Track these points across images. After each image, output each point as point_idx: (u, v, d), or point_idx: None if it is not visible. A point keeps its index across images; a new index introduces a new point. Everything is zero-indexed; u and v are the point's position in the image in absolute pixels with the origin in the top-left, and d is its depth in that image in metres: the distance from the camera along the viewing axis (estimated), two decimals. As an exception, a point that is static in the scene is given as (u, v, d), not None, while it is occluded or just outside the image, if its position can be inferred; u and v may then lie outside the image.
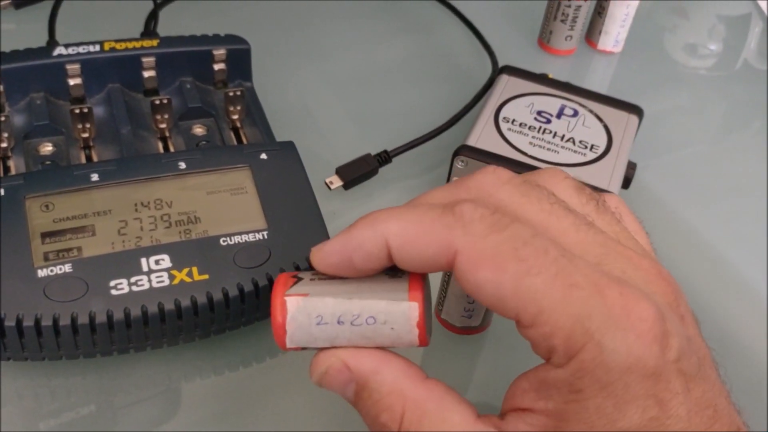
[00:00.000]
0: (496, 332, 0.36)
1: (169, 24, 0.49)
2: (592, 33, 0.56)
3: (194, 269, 0.32)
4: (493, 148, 0.41)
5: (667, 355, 0.23)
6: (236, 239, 0.33)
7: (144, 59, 0.40)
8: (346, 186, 0.42)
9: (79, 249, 0.32)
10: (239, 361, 0.34)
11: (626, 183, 0.43)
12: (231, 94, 0.41)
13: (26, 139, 0.38)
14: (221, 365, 0.34)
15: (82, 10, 0.51)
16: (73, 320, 0.30)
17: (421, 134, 0.45)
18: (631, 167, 0.43)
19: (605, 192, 0.35)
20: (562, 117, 0.43)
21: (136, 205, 0.34)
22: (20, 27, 0.50)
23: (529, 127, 0.42)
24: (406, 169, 0.44)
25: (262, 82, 0.44)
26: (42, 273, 0.31)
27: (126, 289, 0.31)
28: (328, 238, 0.34)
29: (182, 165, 0.35)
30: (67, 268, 0.31)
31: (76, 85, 0.39)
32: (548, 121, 0.43)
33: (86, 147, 0.39)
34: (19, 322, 0.29)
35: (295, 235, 0.34)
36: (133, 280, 0.31)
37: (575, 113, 0.44)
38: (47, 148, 0.38)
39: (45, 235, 0.32)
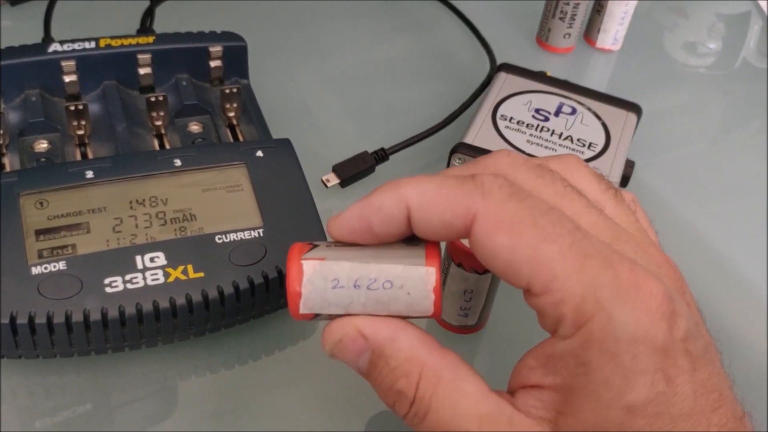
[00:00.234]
0: (492, 331, 0.36)
1: (166, 21, 0.49)
2: (590, 31, 0.56)
3: (189, 267, 0.32)
4: (491, 145, 0.41)
5: (674, 333, 0.23)
6: (232, 237, 0.33)
7: (140, 56, 0.40)
8: (343, 184, 0.42)
9: (74, 246, 0.32)
10: (235, 359, 0.34)
11: (624, 181, 0.43)
12: (227, 91, 0.40)
13: (21, 136, 0.38)
14: (217, 363, 0.34)
15: (77, 7, 0.51)
16: (68, 318, 0.29)
17: (419, 132, 0.45)
18: (630, 165, 0.43)
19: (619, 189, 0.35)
20: (560, 115, 0.43)
21: (131, 202, 0.34)
22: (16, 24, 0.50)
23: (527, 125, 0.42)
24: (403, 167, 0.44)
25: (258, 79, 0.44)
26: (36, 270, 0.30)
27: (121, 287, 0.31)
28: (324, 235, 0.34)
29: (178, 162, 0.35)
30: (61, 265, 0.31)
31: (71, 82, 0.39)
32: (546, 119, 0.43)
33: (81, 144, 0.38)
34: (12, 319, 0.29)
35: (291, 232, 0.34)
36: (127, 277, 0.31)
37: (573, 111, 0.44)
38: (42, 145, 0.38)
39: (39, 233, 0.32)
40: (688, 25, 0.62)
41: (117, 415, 0.31)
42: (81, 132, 0.38)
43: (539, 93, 0.45)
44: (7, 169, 0.37)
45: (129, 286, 0.31)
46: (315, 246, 0.26)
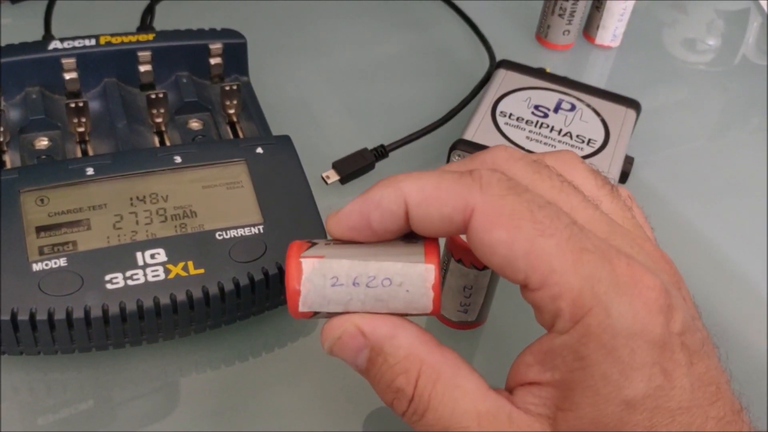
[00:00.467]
0: (492, 328, 0.36)
1: (166, 18, 0.49)
2: (589, 28, 0.56)
3: (190, 263, 0.32)
4: (490, 142, 0.41)
5: (671, 327, 0.23)
6: (232, 233, 0.33)
7: (140, 53, 0.40)
8: (343, 180, 0.42)
9: (74, 243, 0.32)
10: (235, 356, 0.34)
11: (623, 177, 0.43)
12: (227, 88, 0.40)
13: (22, 133, 0.38)
14: (217, 359, 0.34)
15: (78, 5, 0.51)
16: (69, 314, 0.30)
17: (418, 129, 0.45)
18: (629, 162, 0.43)
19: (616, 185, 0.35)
20: (560, 111, 0.43)
21: (131, 199, 0.34)
22: (16, 21, 0.50)
23: (527, 122, 0.42)
24: (403, 163, 0.44)
25: (258, 76, 0.44)
26: (37, 267, 0.31)
27: (121, 284, 0.31)
28: (324, 232, 0.34)
29: (178, 159, 0.35)
30: (62, 262, 0.31)
31: (71, 79, 0.39)
32: (545, 116, 0.43)
33: (82, 141, 0.39)
34: (14, 316, 0.29)
35: (291, 229, 0.34)
36: (128, 274, 0.31)
37: (572, 108, 0.44)
38: (43, 143, 0.38)
39: (40, 229, 0.32)
40: (687, 21, 0.62)
41: (118, 412, 0.32)
42: (81, 129, 0.38)
43: (538, 89, 0.45)
44: (8, 166, 0.37)
45: (130, 282, 0.31)
46: (314, 244, 0.26)
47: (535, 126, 0.42)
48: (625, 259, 0.23)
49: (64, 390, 0.32)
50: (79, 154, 0.38)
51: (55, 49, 0.39)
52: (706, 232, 0.44)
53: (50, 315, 0.29)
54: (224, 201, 0.34)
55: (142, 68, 0.41)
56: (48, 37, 0.45)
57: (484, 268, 0.32)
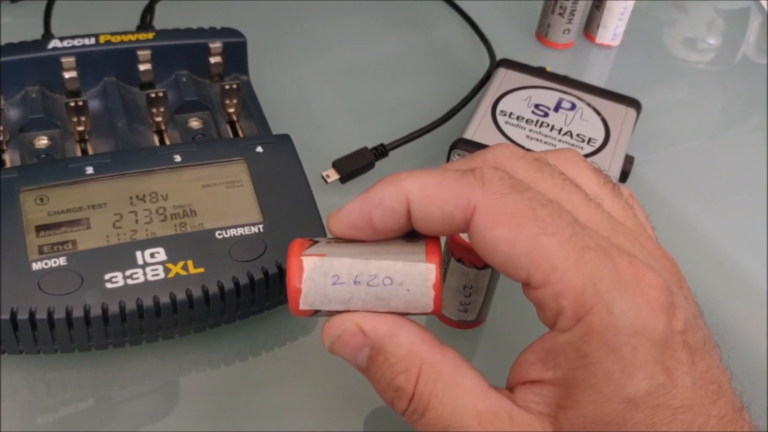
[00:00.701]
0: (492, 327, 0.36)
1: (165, 17, 0.49)
2: (590, 27, 0.56)
3: (189, 262, 0.32)
4: (491, 141, 0.41)
5: (673, 325, 0.23)
6: (232, 232, 0.33)
7: (140, 52, 0.40)
8: (343, 179, 0.42)
9: (74, 242, 0.32)
10: (235, 355, 0.34)
11: (624, 176, 0.43)
12: (227, 87, 0.40)
13: (21, 132, 0.38)
14: (217, 359, 0.34)
15: (77, 4, 0.51)
16: (68, 313, 0.30)
17: (418, 128, 0.45)
18: (629, 161, 0.43)
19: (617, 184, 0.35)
20: (560, 110, 0.43)
21: (131, 198, 0.34)
22: (16, 20, 0.50)
23: (527, 121, 0.42)
24: (403, 162, 0.44)
25: (258, 75, 0.44)
26: (36, 266, 0.31)
27: (121, 283, 0.31)
28: (324, 231, 0.34)
29: (178, 158, 0.35)
30: (61, 261, 0.31)
31: (71, 78, 0.39)
32: (546, 115, 0.43)
33: (81, 140, 0.39)
34: (13, 315, 0.29)
35: (291, 228, 0.34)
36: (128, 273, 0.31)
37: (573, 107, 0.44)
38: (42, 142, 0.38)
39: (39, 228, 0.32)
40: (687, 20, 0.62)
41: (118, 411, 0.32)
42: (81, 128, 0.38)
43: (539, 88, 0.45)
44: (8, 165, 0.37)
45: (129, 281, 0.31)
46: (315, 242, 0.26)
47: (536, 125, 0.42)
48: (627, 257, 0.23)
49: (64, 389, 0.32)
50: (78, 153, 0.38)
51: (55, 48, 0.39)
52: (707, 230, 0.44)
53: (50, 314, 0.29)
54: (224, 200, 0.34)
55: (142, 67, 0.41)
56: (48, 36, 0.45)
57: (484, 267, 0.32)
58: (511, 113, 0.43)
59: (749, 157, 0.49)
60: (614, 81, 0.53)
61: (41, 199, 0.33)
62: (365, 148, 0.43)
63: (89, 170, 0.34)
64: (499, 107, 0.43)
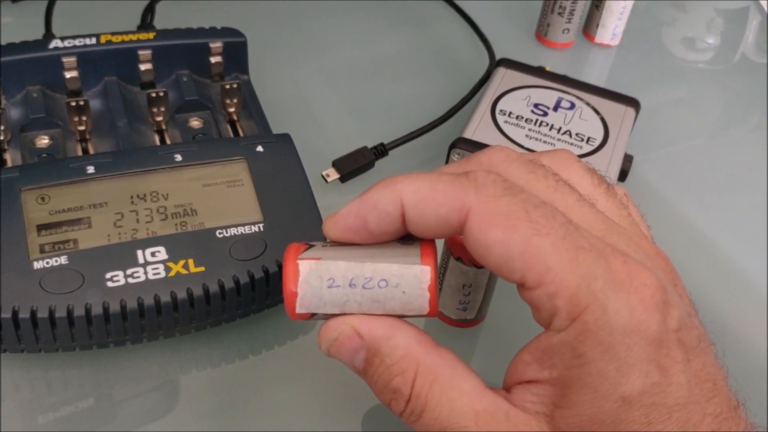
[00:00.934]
0: (491, 325, 0.36)
1: (166, 17, 0.49)
2: (589, 26, 0.56)
3: (190, 261, 0.32)
4: (490, 140, 0.41)
5: (668, 323, 0.23)
6: (232, 231, 0.33)
7: (140, 52, 0.40)
8: (343, 179, 0.42)
9: (75, 241, 0.32)
10: (236, 353, 0.34)
11: (623, 175, 0.43)
12: (227, 86, 0.41)
13: (23, 131, 0.38)
14: (217, 357, 0.34)
15: (78, 4, 0.51)
16: (69, 312, 0.30)
17: (418, 127, 0.45)
18: (628, 160, 0.43)
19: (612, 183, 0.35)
20: (559, 110, 0.43)
21: (132, 197, 0.34)
22: (17, 20, 0.50)
23: (526, 120, 0.42)
24: (403, 162, 0.44)
25: (259, 75, 0.44)
26: (38, 265, 0.31)
27: (122, 281, 0.31)
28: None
29: (178, 157, 0.35)
30: (63, 260, 0.31)
31: (72, 78, 0.39)
32: (545, 114, 0.43)
33: (82, 140, 0.39)
34: (15, 314, 0.29)
35: (291, 227, 0.34)
36: (129, 272, 0.31)
37: (572, 106, 0.44)
38: (44, 141, 0.38)
39: (41, 228, 0.32)
40: (686, 20, 0.62)
41: (119, 409, 0.32)
42: (82, 128, 0.38)
43: (538, 88, 0.45)
44: (9, 164, 0.37)
45: (130, 280, 0.31)
46: (311, 246, 0.26)
47: (535, 124, 0.42)
48: (621, 257, 0.23)
49: (65, 387, 0.32)
50: (79, 153, 0.38)
51: (56, 48, 0.39)
52: (706, 229, 0.44)
53: (51, 313, 0.30)
54: (224, 199, 0.34)
55: (143, 67, 0.41)
56: (49, 35, 0.45)
57: (483, 266, 0.32)
58: (510, 113, 0.43)
59: (748, 156, 0.49)
60: (613, 80, 0.53)
61: (42, 199, 0.33)
62: (365, 148, 0.43)
63: (90, 170, 0.34)
64: (499, 107, 0.43)
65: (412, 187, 0.25)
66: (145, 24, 0.48)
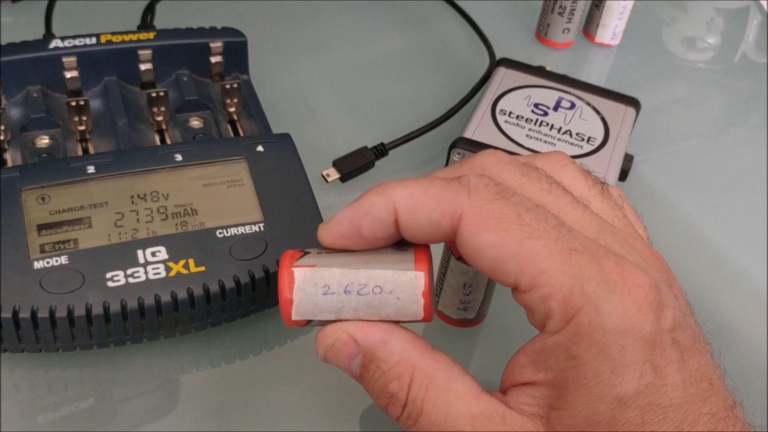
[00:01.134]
0: (492, 325, 0.36)
1: (166, 17, 0.49)
2: (589, 26, 0.56)
3: (191, 261, 0.32)
4: (490, 140, 0.41)
5: (662, 324, 0.23)
6: (233, 231, 0.33)
7: (140, 52, 0.40)
8: (343, 179, 0.42)
9: (76, 241, 0.32)
10: (236, 353, 0.34)
11: (623, 175, 0.43)
12: (227, 86, 0.41)
13: (23, 131, 0.38)
14: (218, 357, 0.34)
15: (78, 3, 0.51)
16: (70, 312, 0.30)
17: (418, 127, 0.45)
18: (628, 159, 0.43)
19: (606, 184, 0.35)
20: (559, 109, 0.43)
21: (132, 197, 0.34)
22: (17, 20, 0.50)
23: (526, 120, 0.42)
24: (403, 161, 0.44)
25: (259, 74, 0.44)
26: (38, 265, 0.31)
27: (122, 281, 0.31)
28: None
29: (179, 157, 0.35)
30: (63, 260, 0.31)
31: (72, 78, 0.39)
32: (545, 114, 0.43)
33: (83, 139, 0.39)
34: (15, 313, 0.29)
35: (291, 227, 0.34)
36: (129, 272, 0.31)
37: (572, 106, 0.44)
38: (44, 141, 0.38)
39: (41, 227, 0.32)
40: (687, 20, 0.62)
41: (119, 409, 0.32)
42: (82, 127, 0.38)
43: (538, 88, 0.45)
44: (9, 164, 0.37)
45: (131, 280, 0.31)
46: (306, 253, 0.26)
47: (535, 124, 0.42)
48: (614, 258, 0.23)
49: (66, 387, 0.32)
50: (80, 153, 0.38)
51: (56, 48, 0.39)
52: (706, 229, 0.44)
53: (52, 312, 0.30)
54: (225, 199, 0.34)
55: (143, 67, 0.41)
56: (49, 35, 0.45)
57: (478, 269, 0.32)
58: (510, 112, 0.43)
59: (749, 156, 0.49)
60: (614, 80, 0.53)
61: (43, 198, 0.33)
62: (365, 147, 0.43)
63: (90, 169, 0.34)
64: (499, 106, 0.43)
65: (404, 192, 0.25)
66: (146, 24, 0.48)
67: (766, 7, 0.63)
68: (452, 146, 0.41)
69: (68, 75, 0.39)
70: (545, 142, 0.41)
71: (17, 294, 0.30)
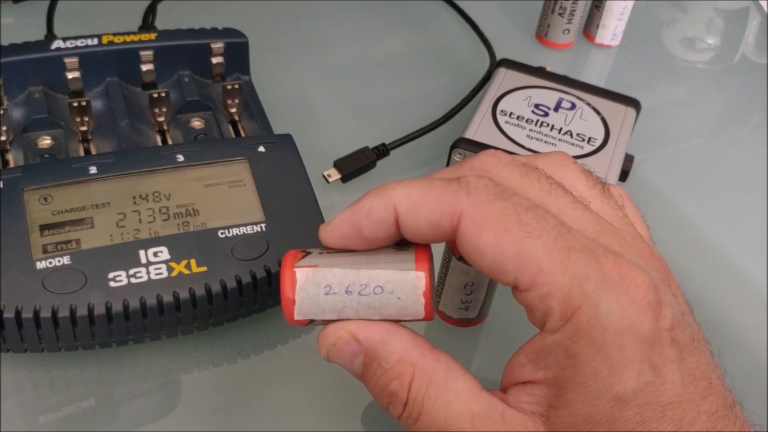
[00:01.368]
0: (493, 324, 0.36)
1: (167, 18, 0.49)
2: (589, 27, 0.56)
3: (192, 261, 0.32)
4: (491, 140, 0.41)
5: (660, 322, 0.23)
6: (234, 231, 0.33)
7: (142, 53, 0.41)
8: (344, 179, 0.42)
9: (78, 241, 0.32)
10: (237, 353, 0.34)
11: (623, 175, 0.43)
12: (229, 87, 0.41)
13: (25, 132, 0.38)
14: (219, 357, 0.34)
15: (80, 4, 0.51)
16: (72, 312, 0.30)
17: (419, 127, 0.45)
18: (629, 160, 0.43)
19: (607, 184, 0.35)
20: (560, 110, 0.43)
21: (134, 197, 0.34)
22: (19, 21, 0.50)
23: (527, 120, 0.42)
24: (404, 162, 0.44)
25: (260, 75, 0.44)
26: (41, 265, 0.31)
27: (125, 281, 0.31)
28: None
29: (180, 158, 0.36)
30: (65, 260, 0.31)
31: (74, 79, 0.40)
32: (546, 114, 0.43)
33: (85, 140, 0.39)
34: (18, 313, 0.29)
35: (293, 227, 0.34)
36: (131, 272, 0.31)
37: (573, 106, 0.44)
38: (46, 142, 0.38)
39: (44, 228, 0.32)
40: (686, 20, 0.62)
41: (121, 409, 0.32)
42: (84, 128, 0.39)
43: (539, 88, 0.45)
44: (12, 165, 0.37)
45: (133, 280, 0.31)
46: (308, 253, 0.27)
47: (536, 125, 0.42)
48: (613, 257, 0.23)
49: (68, 387, 0.32)
50: (82, 153, 0.38)
51: (58, 49, 0.39)
52: (706, 229, 0.44)
53: (54, 312, 0.30)
54: (226, 199, 0.35)
55: (145, 67, 0.41)
56: (50, 36, 0.45)
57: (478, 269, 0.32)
58: (511, 113, 0.43)
59: (749, 156, 0.50)
60: (614, 81, 0.53)
61: (45, 199, 0.33)
62: (366, 148, 0.43)
63: (92, 170, 0.34)
64: (500, 107, 0.43)
65: (404, 193, 0.25)
66: (147, 25, 0.48)
67: (765, 8, 0.63)
68: (453, 146, 0.41)
69: (70, 76, 0.39)
70: (546, 142, 0.41)
71: (20, 294, 0.30)
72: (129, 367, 0.33)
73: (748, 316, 0.39)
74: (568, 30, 0.54)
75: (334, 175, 0.42)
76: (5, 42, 0.40)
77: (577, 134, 0.42)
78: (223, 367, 0.34)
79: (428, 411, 0.25)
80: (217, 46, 0.42)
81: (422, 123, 0.45)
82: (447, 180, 0.25)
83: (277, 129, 0.40)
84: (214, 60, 0.42)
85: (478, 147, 0.40)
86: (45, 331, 0.30)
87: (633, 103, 0.45)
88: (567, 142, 0.41)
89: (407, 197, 0.25)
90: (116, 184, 0.34)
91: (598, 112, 0.44)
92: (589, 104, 0.44)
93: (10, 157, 0.37)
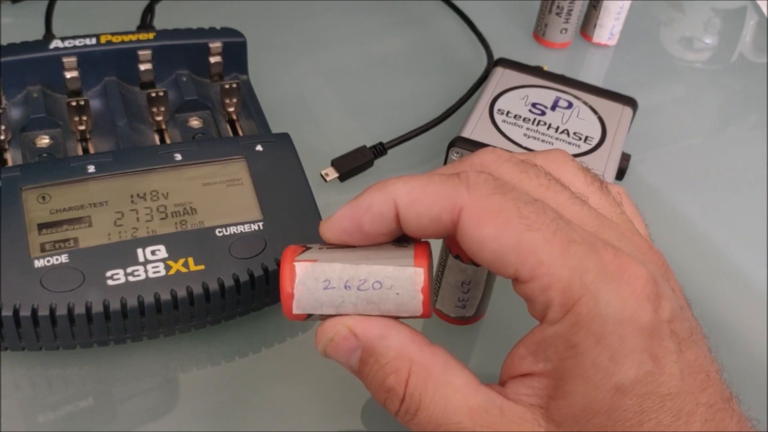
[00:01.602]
0: (490, 322, 0.36)
1: (166, 17, 0.49)
2: (587, 26, 0.56)
3: (190, 260, 0.32)
4: (488, 139, 0.41)
5: (659, 314, 0.23)
6: (232, 230, 0.33)
7: (140, 52, 0.41)
8: (342, 178, 0.42)
9: (76, 240, 0.32)
10: (235, 351, 0.34)
11: (620, 174, 0.43)
12: (227, 86, 0.41)
13: (23, 131, 0.38)
14: (217, 355, 0.34)
15: (78, 4, 0.51)
16: (70, 310, 0.30)
17: (417, 126, 0.45)
18: (625, 158, 0.43)
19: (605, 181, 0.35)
20: (557, 109, 0.43)
21: (132, 196, 0.34)
22: (17, 21, 0.50)
23: (524, 119, 0.43)
24: (402, 161, 0.44)
25: (258, 74, 0.45)
26: (39, 263, 0.31)
27: (122, 280, 0.31)
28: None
29: (178, 157, 0.36)
30: (63, 258, 0.31)
31: (72, 78, 0.40)
32: (543, 113, 0.43)
33: (83, 139, 0.39)
34: (16, 312, 0.29)
35: (290, 226, 0.34)
36: (129, 270, 0.31)
37: (569, 105, 0.44)
38: (44, 141, 0.38)
39: (42, 226, 0.32)
40: (684, 20, 0.63)
41: (119, 407, 0.32)
42: (82, 127, 0.39)
43: (536, 87, 0.45)
44: (10, 164, 0.37)
45: (131, 278, 0.31)
46: (308, 248, 0.27)
47: (533, 123, 0.42)
48: (612, 250, 0.24)
49: (66, 385, 0.32)
50: (80, 152, 0.38)
51: (56, 48, 0.39)
52: (704, 228, 0.44)
53: (52, 311, 0.30)
54: (224, 198, 0.35)
55: (143, 67, 0.41)
56: (49, 36, 0.45)
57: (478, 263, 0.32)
58: (508, 112, 0.43)
59: (747, 155, 0.50)
60: (611, 80, 0.53)
61: (43, 198, 0.33)
62: (364, 147, 0.43)
63: (90, 169, 0.34)
64: (497, 106, 0.43)
65: (404, 188, 0.25)
66: (145, 24, 0.48)
67: (763, 7, 0.63)
68: (450, 145, 0.41)
69: (68, 75, 0.40)
70: (543, 141, 0.41)
71: (18, 292, 0.30)
72: (127, 365, 0.33)
73: (745, 314, 0.40)
74: (566, 29, 0.54)
75: (332, 174, 0.42)
76: (4, 42, 0.40)
77: (574, 133, 0.42)
78: (221, 365, 0.34)
79: (426, 406, 0.25)
80: (215, 45, 0.42)
81: (420, 122, 0.45)
82: (447, 175, 0.25)
83: (275, 128, 0.40)
84: (212, 59, 0.42)
85: (475, 146, 0.40)
86: (43, 330, 0.30)
87: (630, 102, 0.45)
88: (564, 140, 0.42)
89: (407, 192, 0.25)
90: (114, 183, 0.34)
91: (594, 111, 0.44)
92: (585, 103, 0.44)
93: (8, 156, 0.37)
